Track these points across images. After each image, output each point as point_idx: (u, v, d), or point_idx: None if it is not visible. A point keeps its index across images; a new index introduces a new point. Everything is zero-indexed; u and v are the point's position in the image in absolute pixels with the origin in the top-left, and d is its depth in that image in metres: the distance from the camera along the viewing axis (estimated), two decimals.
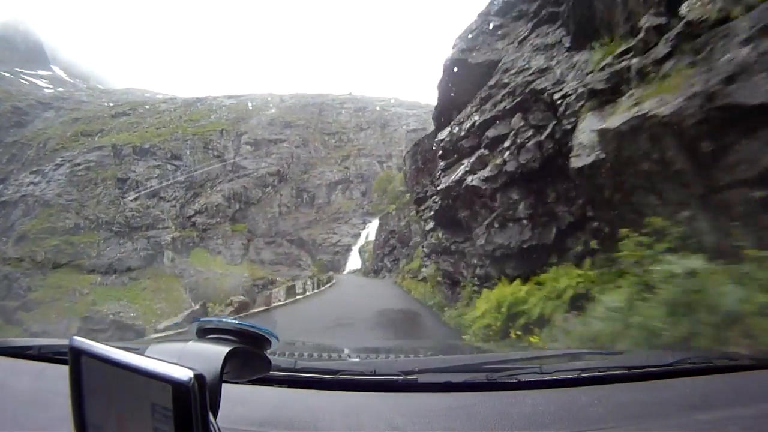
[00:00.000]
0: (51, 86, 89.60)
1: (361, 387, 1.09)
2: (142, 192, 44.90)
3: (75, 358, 0.57)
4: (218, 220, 46.38)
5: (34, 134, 56.67)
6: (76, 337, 0.58)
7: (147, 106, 64.86)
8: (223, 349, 0.65)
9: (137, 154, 49.06)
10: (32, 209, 43.53)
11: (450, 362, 1.34)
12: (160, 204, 45.00)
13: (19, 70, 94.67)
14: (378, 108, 68.82)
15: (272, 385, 1.06)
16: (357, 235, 48.51)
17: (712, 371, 1.22)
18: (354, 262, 44.82)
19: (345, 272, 45.06)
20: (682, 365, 1.22)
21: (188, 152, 51.21)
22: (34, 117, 63.23)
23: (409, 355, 1.63)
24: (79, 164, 46.59)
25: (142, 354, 0.58)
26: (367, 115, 66.40)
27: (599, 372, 1.16)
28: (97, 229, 41.55)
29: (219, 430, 0.57)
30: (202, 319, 0.76)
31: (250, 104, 65.56)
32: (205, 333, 0.73)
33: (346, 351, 1.93)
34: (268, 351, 0.75)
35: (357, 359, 1.58)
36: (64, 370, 0.58)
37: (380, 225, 38.36)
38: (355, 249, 46.34)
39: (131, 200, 44.23)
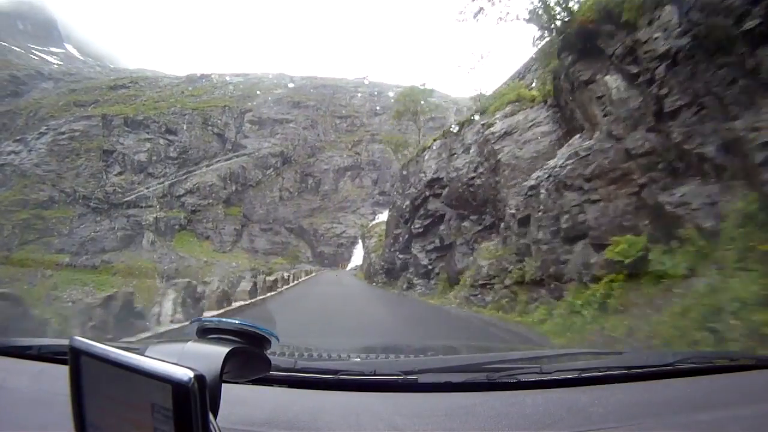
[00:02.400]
0: (61, 63, 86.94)
1: (361, 387, 1.08)
2: (129, 166, 40.24)
3: (75, 358, 0.56)
4: (210, 201, 41.39)
5: (28, 104, 53.04)
6: (76, 337, 0.57)
7: (148, 81, 60.69)
8: (223, 350, 0.65)
9: (128, 125, 44.50)
10: (9, 179, 39.40)
11: (450, 362, 1.32)
12: (147, 180, 40.25)
13: (31, 45, 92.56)
14: (394, 93, 63.31)
15: (272, 385, 1.05)
16: (365, 226, 42.98)
17: (712, 371, 1.22)
18: (359, 256, 39.14)
19: (348, 268, 39.58)
20: (682, 365, 1.21)
21: (185, 127, 46.49)
22: (31, 87, 59.91)
23: (409, 355, 1.56)
24: (63, 133, 42.25)
25: (142, 354, 0.58)
26: (382, 100, 60.84)
27: (599, 372, 1.16)
28: (73, 203, 37.05)
29: (219, 430, 0.57)
30: (202, 319, 0.75)
31: (258, 83, 60.74)
32: (205, 333, 0.73)
33: (346, 351, 1.77)
34: (268, 351, 0.75)
35: (357, 359, 1.47)
36: (64, 370, 0.58)
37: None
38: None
39: (115, 174, 39.63)
